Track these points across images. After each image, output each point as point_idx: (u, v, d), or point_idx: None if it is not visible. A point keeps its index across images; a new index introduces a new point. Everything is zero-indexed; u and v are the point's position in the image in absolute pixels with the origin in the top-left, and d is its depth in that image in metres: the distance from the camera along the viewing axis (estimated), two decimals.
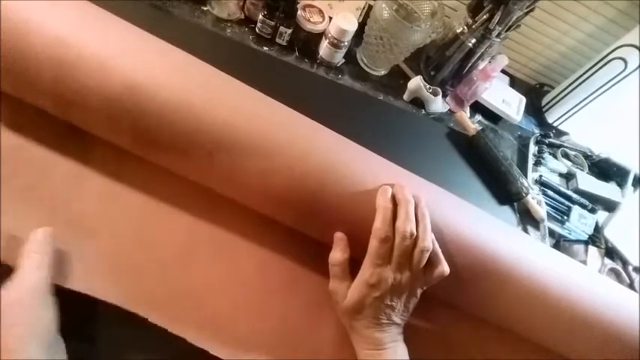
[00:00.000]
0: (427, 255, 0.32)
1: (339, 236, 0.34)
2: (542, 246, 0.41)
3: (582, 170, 0.76)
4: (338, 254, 0.34)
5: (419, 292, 0.34)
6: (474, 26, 0.64)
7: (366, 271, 0.32)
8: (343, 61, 0.66)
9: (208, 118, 0.31)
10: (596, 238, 0.67)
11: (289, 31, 0.61)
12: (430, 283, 0.33)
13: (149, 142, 0.33)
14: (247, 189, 0.34)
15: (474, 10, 0.63)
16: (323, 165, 0.33)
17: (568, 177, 0.75)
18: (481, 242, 0.35)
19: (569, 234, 0.65)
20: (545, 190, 0.69)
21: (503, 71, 0.83)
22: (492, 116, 0.76)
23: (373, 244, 0.32)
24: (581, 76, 0.77)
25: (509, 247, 0.36)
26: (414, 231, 0.31)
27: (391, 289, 0.32)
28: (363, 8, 0.67)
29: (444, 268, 0.32)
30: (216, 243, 0.37)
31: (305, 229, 0.37)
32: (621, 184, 0.78)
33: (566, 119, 0.81)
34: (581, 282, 0.37)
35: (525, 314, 0.36)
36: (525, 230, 0.64)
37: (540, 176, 0.70)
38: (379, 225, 0.31)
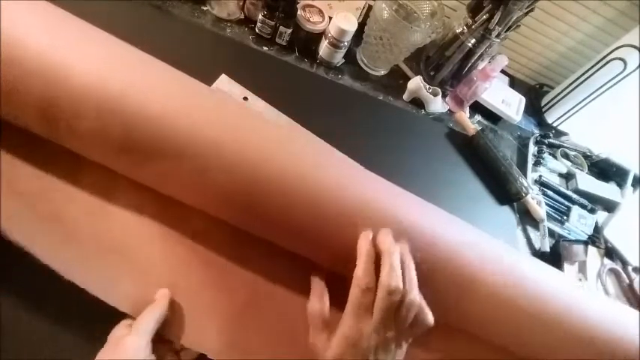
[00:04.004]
0: (415, 310, 0.29)
1: (315, 281, 0.32)
2: (539, 264, 0.40)
3: (582, 170, 0.76)
4: (316, 305, 0.31)
5: (405, 345, 0.31)
6: (473, 26, 0.64)
7: (346, 324, 0.29)
8: (343, 61, 0.66)
9: (191, 134, 0.29)
10: (595, 238, 0.67)
11: (289, 31, 0.61)
12: (416, 335, 0.31)
13: (136, 152, 0.31)
14: (229, 206, 0.32)
15: (474, 10, 0.63)
16: (313, 189, 0.31)
17: (568, 177, 0.75)
18: (471, 261, 0.33)
19: (569, 234, 0.65)
20: (545, 190, 0.69)
21: (503, 71, 0.83)
22: (492, 116, 0.76)
23: (355, 292, 0.29)
24: (580, 76, 0.77)
25: (504, 267, 0.35)
26: (400, 285, 0.28)
27: (375, 347, 0.29)
28: (363, 8, 0.67)
29: (429, 318, 0.30)
30: (208, 264, 0.36)
31: (293, 249, 0.35)
32: (621, 184, 0.78)
33: (565, 119, 0.81)
34: (580, 301, 0.36)
35: (521, 333, 0.35)
36: (525, 230, 0.64)
37: (540, 176, 0.70)
38: (360, 274, 0.29)
